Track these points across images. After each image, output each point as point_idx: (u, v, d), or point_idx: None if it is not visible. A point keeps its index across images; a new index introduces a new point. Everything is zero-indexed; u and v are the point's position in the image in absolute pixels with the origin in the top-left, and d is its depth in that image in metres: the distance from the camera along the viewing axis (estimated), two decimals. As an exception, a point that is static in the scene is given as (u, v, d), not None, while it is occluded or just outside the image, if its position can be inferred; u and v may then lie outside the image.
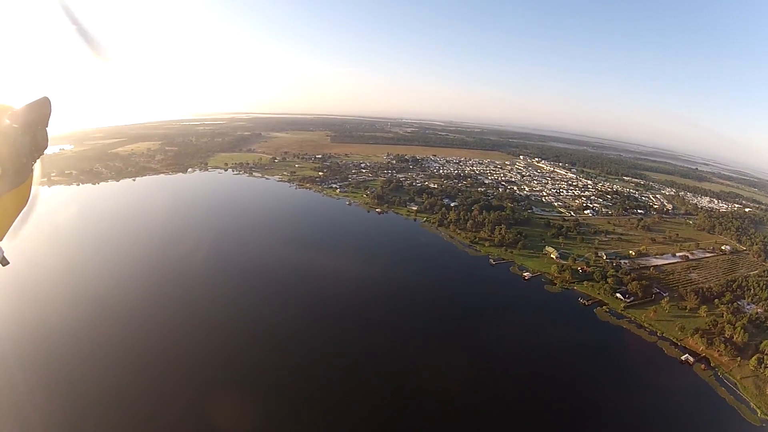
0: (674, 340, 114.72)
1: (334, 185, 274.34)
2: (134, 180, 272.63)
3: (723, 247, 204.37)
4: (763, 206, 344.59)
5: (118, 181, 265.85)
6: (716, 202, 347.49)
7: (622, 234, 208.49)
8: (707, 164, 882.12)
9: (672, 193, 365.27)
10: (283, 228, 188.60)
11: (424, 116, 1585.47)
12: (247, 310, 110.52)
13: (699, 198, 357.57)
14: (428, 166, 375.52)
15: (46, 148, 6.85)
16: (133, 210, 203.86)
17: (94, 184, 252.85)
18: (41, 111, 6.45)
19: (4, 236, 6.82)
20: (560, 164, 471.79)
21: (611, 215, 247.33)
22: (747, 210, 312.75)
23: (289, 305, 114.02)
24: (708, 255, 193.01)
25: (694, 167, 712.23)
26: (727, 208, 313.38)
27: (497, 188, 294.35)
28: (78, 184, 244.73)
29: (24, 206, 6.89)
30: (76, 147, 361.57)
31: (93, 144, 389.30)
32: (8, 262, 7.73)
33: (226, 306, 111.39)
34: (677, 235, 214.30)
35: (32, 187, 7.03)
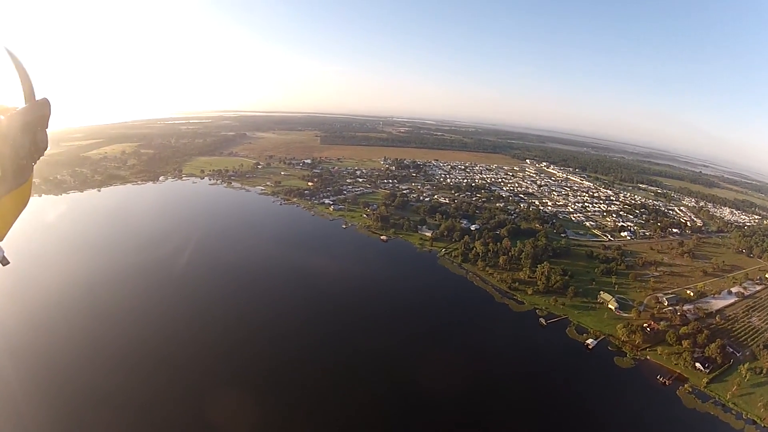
0: (759, 421, 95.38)
1: (326, 200, 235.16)
2: (99, 191, 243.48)
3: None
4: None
5: (82, 191, 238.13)
6: (736, 213, 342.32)
7: (671, 265, 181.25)
8: (707, 166, 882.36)
9: (693, 204, 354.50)
10: (256, 266, 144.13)
11: (415, 115, 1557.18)
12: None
13: (720, 209, 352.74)
14: (433, 174, 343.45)
15: (46, 149, 6.83)
16: (75, 234, 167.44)
17: (57, 195, 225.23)
18: (41, 112, 6.52)
19: (4, 237, 6.99)
20: (570, 170, 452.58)
21: (650, 237, 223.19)
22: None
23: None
24: (758, 288, 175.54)
25: (697, 170, 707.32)
26: (749, 221, 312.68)
27: (518, 203, 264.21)
28: (39, 195, 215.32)
29: (24, 207, 7.01)
30: (52, 149, 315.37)
31: (69, 146, 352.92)
32: (8, 262, 7.83)
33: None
34: (723, 262, 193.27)
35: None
